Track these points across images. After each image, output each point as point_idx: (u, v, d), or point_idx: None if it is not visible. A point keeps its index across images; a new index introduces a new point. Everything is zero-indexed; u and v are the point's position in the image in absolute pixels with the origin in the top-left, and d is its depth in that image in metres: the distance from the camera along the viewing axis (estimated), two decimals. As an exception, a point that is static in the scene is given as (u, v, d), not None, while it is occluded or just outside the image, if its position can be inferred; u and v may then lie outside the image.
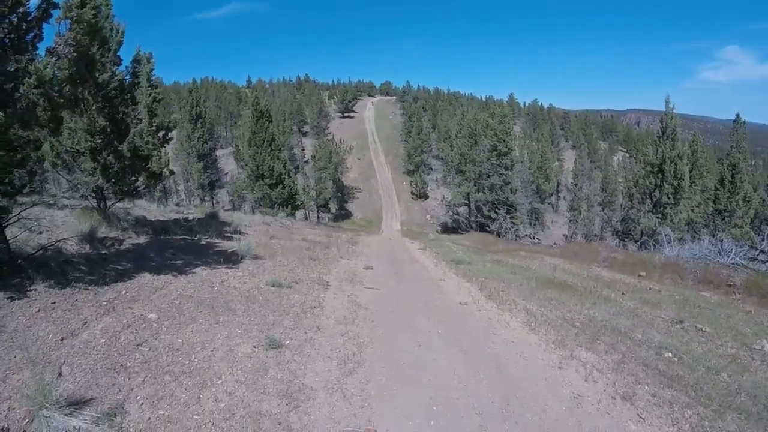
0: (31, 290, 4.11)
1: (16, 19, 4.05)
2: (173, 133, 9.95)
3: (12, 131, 4.10)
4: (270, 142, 23.21)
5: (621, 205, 25.15)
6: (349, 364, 3.94)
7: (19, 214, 4.86)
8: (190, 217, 11.39)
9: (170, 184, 34.90)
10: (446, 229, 35.45)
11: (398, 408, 3.28)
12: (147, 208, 11.45)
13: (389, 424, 3.06)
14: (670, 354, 4.66)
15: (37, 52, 4.41)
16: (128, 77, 7.76)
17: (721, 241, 12.05)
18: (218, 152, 41.02)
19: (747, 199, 20.89)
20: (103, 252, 5.93)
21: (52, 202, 8.91)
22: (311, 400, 3.26)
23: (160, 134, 8.48)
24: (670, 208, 17.83)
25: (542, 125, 74.73)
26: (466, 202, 33.35)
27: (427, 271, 9.40)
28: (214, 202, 32.91)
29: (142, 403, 2.86)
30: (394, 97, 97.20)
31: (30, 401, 2.53)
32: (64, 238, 5.67)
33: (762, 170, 50.86)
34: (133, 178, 8.11)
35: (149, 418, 2.73)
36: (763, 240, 11.97)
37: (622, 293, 8.03)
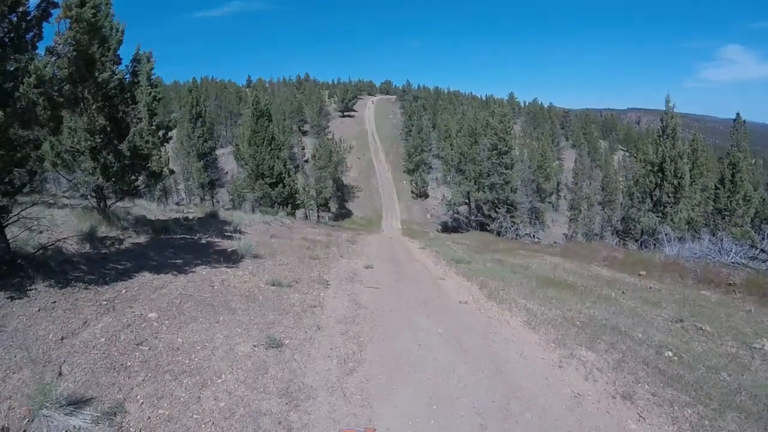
0: (31, 290, 4.11)
1: (15, 19, 4.05)
2: (173, 133, 9.95)
3: (12, 130, 4.09)
4: (270, 141, 23.22)
5: (621, 204, 25.16)
6: (349, 363, 3.94)
7: (19, 213, 4.86)
8: (190, 216, 11.39)
9: (170, 184, 34.91)
10: (446, 228, 35.48)
11: (398, 407, 3.28)
12: (147, 208, 11.45)
13: (389, 423, 3.06)
14: (670, 353, 4.66)
15: (37, 51, 4.41)
16: (128, 76, 7.75)
17: (722, 240, 12.03)
18: (218, 151, 41.04)
19: (747, 198, 20.89)
20: (103, 251, 5.94)
21: (52, 201, 8.92)
22: (311, 399, 3.26)
23: (160, 133, 8.48)
24: (671, 207, 17.81)
25: (542, 124, 74.68)
26: (466, 201, 33.37)
27: (427, 270, 9.40)
28: (214, 201, 32.92)
29: (142, 403, 2.86)
30: (395, 96, 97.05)
31: (30, 400, 2.53)
32: (64, 238, 5.67)
33: (762, 169, 50.86)
34: (133, 178, 8.11)
35: (149, 417, 2.73)
36: (763, 239, 11.95)
37: (623, 292, 8.03)
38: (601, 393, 3.68)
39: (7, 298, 3.88)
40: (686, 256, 11.17)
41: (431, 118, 62.18)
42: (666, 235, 14.40)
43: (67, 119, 6.67)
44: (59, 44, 4.80)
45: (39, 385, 2.56)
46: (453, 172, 36.30)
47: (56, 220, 6.54)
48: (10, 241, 4.63)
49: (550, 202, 44.15)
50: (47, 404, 2.48)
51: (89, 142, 7.25)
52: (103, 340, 3.54)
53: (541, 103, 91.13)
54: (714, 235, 13.89)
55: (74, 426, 2.48)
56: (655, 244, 15.51)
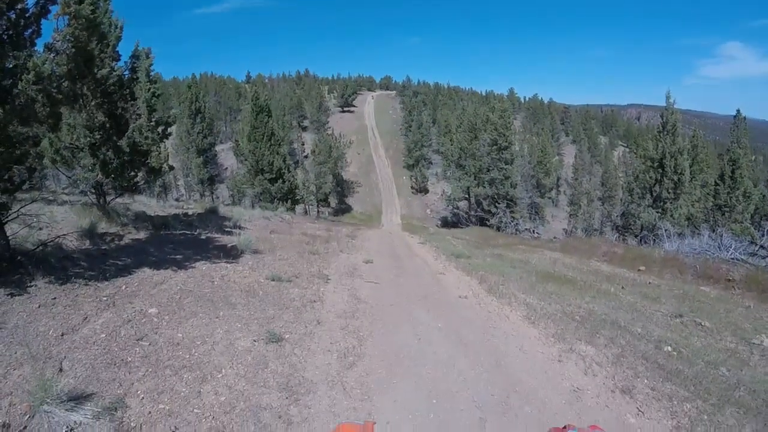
0: (31, 286, 4.12)
1: (14, 15, 4.03)
2: (173, 129, 9.91)
3: (11, 128, 4.08)
4: (270, 137, 23.16)
5: (621, 200, 25.15)
6: (349, 358, 3.95)
7: (18, 210, 4.86)
8: (190, 212, 11.39)
9: (170, 180, 34.83)
10: (446, 223, 35.47)
11: (398, 401, 3.30)
12: (147, 204, 11.46)
13: (389, 417, 3.08)
14: (669, 348, 4.67)
15: (36, 48, 4.39)
16: (127, 73, 7.72)
17: (721, 236, 12.05)
18: (218, 147, 41.00)
19: (747, 194, 20.90)
20: (103, 247, 5.94)
21: (51, 198, 8.92)
22: (311, 394, 3.27)
23: (160, 129, 8.46)
24: (670, 203, 17.82)
25: (542, 120, 74.54)
26: (466, 196, 33.35)
27: (427, 265, 9.41)
28: (214, 197, 32.92)
29: (143, 398, 2.87)
30: (394, 92, 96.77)
31: (31, 397, 2.53)
32: (64, 234, 5.68)
33: (762, 166, 50.82)
34: (133, 174, 8.10)
35: (150, 412, 2.74)
36: (762, 235, 11.97)
37: (622, 287, 8.05)
38: (601, 387, 3.70)
39: (8, 294, 3.89)
40: (686, 252, 11.18)
41: (431, 114, 62.03)
42: (666, 230, 14.42)
43: (66, 116, 6.65)
44: (58, 41, 4.77)
45: (40, 381, 2.56)
46: (453, 168, 36.28)
47: (56, 217, 6.54)
48: (9, 237, 4.63)
49: (549, 198, 44.11)
50: (48, 400, 2.48)
51: (88, 139, 7.24)
52: (104, 335, 3.55)
53: (542, 99, 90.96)
54: (714, 231, 13.89)
55: (75, 421, 2.48)
56: (654, 240, 15.54)
